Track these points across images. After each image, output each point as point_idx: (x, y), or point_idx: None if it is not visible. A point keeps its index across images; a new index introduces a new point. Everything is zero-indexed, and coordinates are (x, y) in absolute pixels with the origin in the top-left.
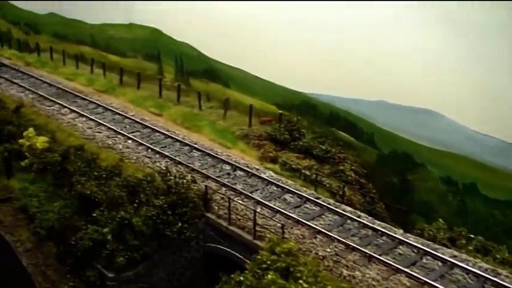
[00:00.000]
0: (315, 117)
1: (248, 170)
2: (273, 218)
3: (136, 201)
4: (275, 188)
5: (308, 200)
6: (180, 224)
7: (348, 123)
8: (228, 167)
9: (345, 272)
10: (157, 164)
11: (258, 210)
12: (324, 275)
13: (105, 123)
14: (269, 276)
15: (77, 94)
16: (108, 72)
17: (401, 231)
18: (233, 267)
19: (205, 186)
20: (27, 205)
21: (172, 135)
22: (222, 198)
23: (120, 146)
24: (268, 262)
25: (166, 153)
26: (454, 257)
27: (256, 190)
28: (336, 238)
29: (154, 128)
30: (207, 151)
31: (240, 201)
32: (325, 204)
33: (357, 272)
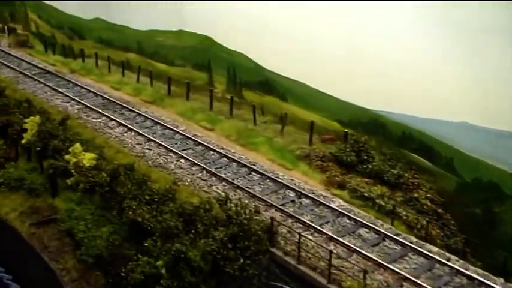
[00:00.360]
0: (384, 137)
1: (315, 197)
2: (350, 259)
3: (193, 231)
4: (347, 221)
5: (387, 236)
6: (242, 260)
7: (423, 145)
8: (291, 194)
9: None
10: (214, 187)
11: (332, 247)
12: None
13: (155, 139)
14: None
15: (124, 105)
16: (155, 81)
17: (501, 280)
18: None
19: (271, 218)
20: (74, 229)
21: (227, 154)
22: (289, 231)
23: (172, 166)
24: None
25: (223, 176)
26: None
27: (327, 223)
28: None
29: (208, 145)
30: (267, 174)
31: (311, 237)
32: (407, 242)
33: None
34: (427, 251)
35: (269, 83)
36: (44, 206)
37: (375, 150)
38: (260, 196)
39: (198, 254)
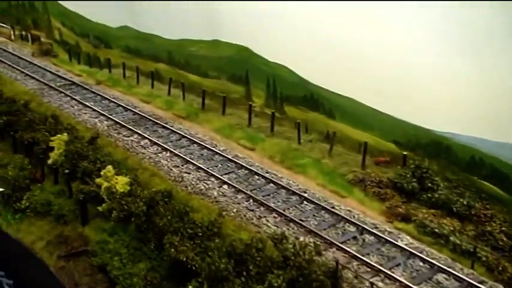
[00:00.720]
0: (448, 161)
1: (379, 233)
2: None
3: (245, 274)
4: (421, 264)
5: (471, 285)
6: None
7: (495, 172)
8: (352, 228)
9: None
10: (264, 220)
11: None
12: None
13: (193, 161)
14: None
15: (157, 121)
16: (187, 94)
17: None
18: None
19: (336, 261)
20: (107, 264)
21: (274, 179)
22: (356, 276)
23: (215, 193)
24: None
25: (273, 206)
26: None
27: (397, 265)
28: None
29: (251, 168)
30: (321, 203)
31: (381, 284)
32: None
33: None
34: None
35: (314, 98)
36: (73, 235)
37: (438, 177)
38: (317, 231)
39: None
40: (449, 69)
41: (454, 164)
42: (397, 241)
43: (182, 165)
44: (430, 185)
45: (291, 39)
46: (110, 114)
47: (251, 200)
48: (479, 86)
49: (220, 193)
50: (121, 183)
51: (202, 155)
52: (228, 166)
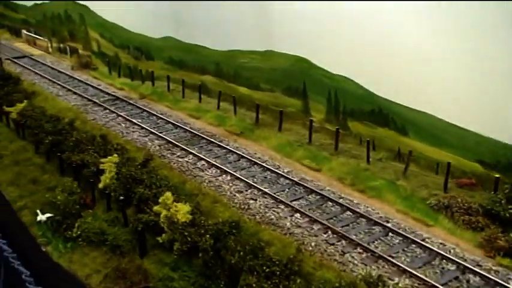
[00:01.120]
0: None
1: (484, 273)
2: None
3: None
4: None
5: None
6: None
7: None
8: (451, 266)
9: None
10: (348, 256)
11: None
12: None
13: (257, 185)
14: None
15: (210, 139)
16: (237, 108)
17: None
18: None
19: None
20: None
21: (349, 206)
22: None
23: (287, 223)
24: None
25: (354, 238)
26: None
27: None
28: None
29: (322, 193)
30: (408, 235)
31: None
32: None
33: None
34: None
35: (383, 112)
36: (131, 268)
37: None
38: (412, 271)
39: None
40: None
41: None
42: (508, 283)
43: (246, 190)
44: None
45: (356, 50)
46: (160, 132)
47: (329, 232)
48: None
49: (294, 223)
50: (182, 211)
51: (265, 177)
52: (296, 191)
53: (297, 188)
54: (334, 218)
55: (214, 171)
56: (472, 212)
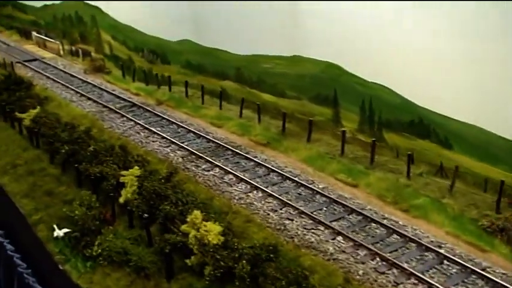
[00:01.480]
0: None
1: None
2: None
3: None
4: None
5: None
6: None
7: None
8: None
9: None
10: None
11: None
12: None
13: (292, 203)
14: None
15: (236, 150)
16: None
17: None
18: None
19: None
20: None
21: (395, 228)
22: None
23: (330, 247)
24: None
25: (407, 267)
26: None
27: None
28: None
29: (363, 212)
30: (467, 264)
31: None
32: None
33: None
34: None
35: (424, 123)
36: None
37: None
38: None
39: None
40: None
41: None
42: None
43: (280, 209)
44: None
45: (393, 55)
46: (182, 142)
47: (378, 258)
48: None
49: (337, 247)
50: (213, 232)
51: (300, 194)
52: (335, 210)
53: (335, 207)
54: (381, 242)
55: (243, 186)
56: None
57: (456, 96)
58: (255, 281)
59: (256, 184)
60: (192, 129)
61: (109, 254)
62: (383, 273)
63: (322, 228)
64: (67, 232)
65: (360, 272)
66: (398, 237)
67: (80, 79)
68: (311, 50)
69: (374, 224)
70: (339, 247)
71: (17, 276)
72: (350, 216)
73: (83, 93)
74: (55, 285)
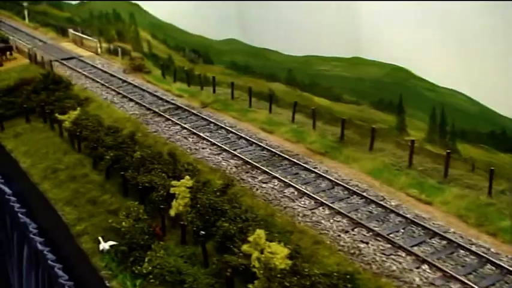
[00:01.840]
0: None
1: None
2: None
3: None
4: None
5: None
6: None
7: None
8: None
9: None
10: None
11: None
12: None
13: (364, 223)
14: None
15: (293, 159)
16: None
17: None
18: None
19: None
20: None
21: (486, 255)
22: None
23: (416, 278)
24: None
25: None
26: None
27: None
28: None
29: (447, 236)
30: None
31: None
32: None
33: None
34: None
35: (507, 135)
36: None
37: None
38: None
39: None
40: None
41: None
42: None
43: (352, 230)
44: None
45: (471, 57)
46: (234, 150)
47: None
48: None
49: (424, 278)
50: (279, 255)
51: (371, 213)
52: (414, 232)
53: (413, 228)
54: (474, 274)
55: (307, 202)
56: None
57: None
58: None
59: (321, 199)
60: (243, 135)
61: (161, 273)
62: None
63: (403, 254)
64: (113, 245)
65: None
66: (493, 267)
67: (119, 79)
68: (373, 51)
69: (462, 251)
70: (426, 278)
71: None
72: (432, 241)
73: (124, 94)
74: None
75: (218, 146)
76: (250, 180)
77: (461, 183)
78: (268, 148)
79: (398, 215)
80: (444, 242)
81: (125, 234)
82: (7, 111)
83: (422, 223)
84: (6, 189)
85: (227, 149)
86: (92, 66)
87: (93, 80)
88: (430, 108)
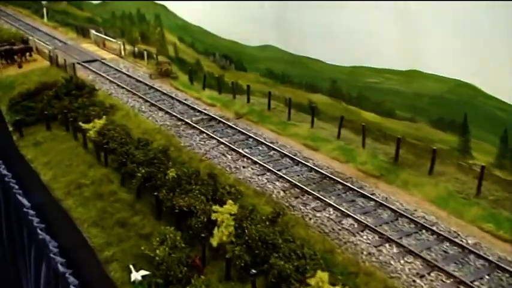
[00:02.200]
0: None
1: None
2: None
3: None
4: None
5: None
6: None
7: None
8: None
9: None
10: None
11: None
12: None
13: (441, 266)
14: None
15: (345, 183)
16: (357, 136)
17: None
18: None
19: None
20: None
21: None
22: None
23: None
24: None
25: None
26: None
27: None
28: None
29: None
30: None
31: None
32: None
33: None
34: None
35: None
36: None
37: None
38: None
39: None
40: None
41: None
42: None
43: (428, 274)
44: None
45: None
46: (279, 170)
47: None
48: None
49: None
50: None
51: (446, 252)
52: (501, 279)
53: (499, 275)
54: None
55: (370, 236)
56: None
57: None
58: None
59: (385, 234)
60: (286, 153)
61: None
62: None
63: None
64: (146, 275)
65: None
66: None
67: (146, 84)
68: (433, 64)
69: None
70: None
71: None
72: None
73: (152, 102)
74: None
75: (260, 164)
76: (301, 207)
77: None
78: (316, 169)
79: (479, 256)
80: None
81: (159, 264)
82: (27, 117)
83: (506, 267)
84: (25, 202)
85: (271, 168)
86: (116, 70)
87: (118, 85)
88: (501, 129)
